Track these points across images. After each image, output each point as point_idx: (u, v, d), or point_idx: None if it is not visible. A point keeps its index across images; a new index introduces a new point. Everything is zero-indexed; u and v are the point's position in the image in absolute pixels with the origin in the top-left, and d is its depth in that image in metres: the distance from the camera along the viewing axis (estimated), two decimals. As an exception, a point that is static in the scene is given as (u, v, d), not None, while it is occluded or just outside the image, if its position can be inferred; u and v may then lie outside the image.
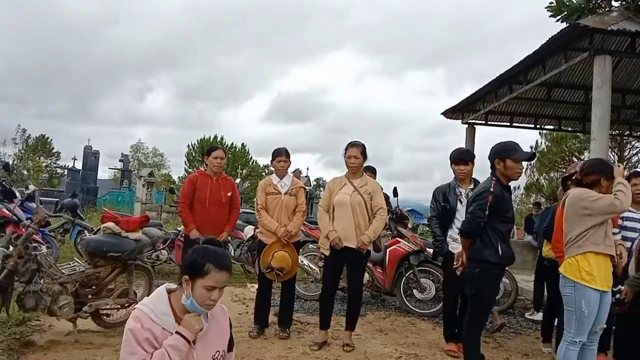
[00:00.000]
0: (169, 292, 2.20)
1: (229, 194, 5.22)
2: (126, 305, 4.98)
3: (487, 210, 3.68)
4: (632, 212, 4.82)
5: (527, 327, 6.29)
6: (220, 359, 2.20)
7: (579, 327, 3.58)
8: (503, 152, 3.81)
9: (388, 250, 6.58)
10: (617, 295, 4.01)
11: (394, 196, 6.92)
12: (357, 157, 4.67)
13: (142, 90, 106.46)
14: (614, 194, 3.45)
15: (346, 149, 4.74)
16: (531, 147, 27.17)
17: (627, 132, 15.79)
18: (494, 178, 3.81)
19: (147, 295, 5.19)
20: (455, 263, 4.21)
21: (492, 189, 3.71)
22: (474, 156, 4.92)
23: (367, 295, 7.16)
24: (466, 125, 13.70)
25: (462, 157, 4.80)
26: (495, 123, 13.97)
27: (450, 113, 13.67)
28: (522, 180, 29.81)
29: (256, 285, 5.53)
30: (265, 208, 5.01)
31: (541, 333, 5.31)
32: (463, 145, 13.15)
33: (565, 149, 24.29)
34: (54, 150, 43.98)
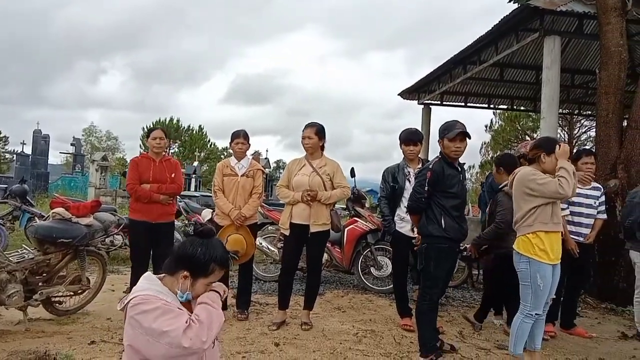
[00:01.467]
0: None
1: (173, 176, 5.12)
2: (79, 292, 4.88)
3: (426, 186, 3.79)
4: (579, 187, 5.05)
5: (480, 300, 6.48)
6: (215, 342, 2.14)
7: (535, 300, 3.73)
8: (441, 132, 3.94)
9: (346, 229, 6.66)
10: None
11: (352, 176, 6.97)
12: (310, 138, 4.67)
13: (95, 73, 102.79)
14: (558, 180, 3.57)
15: (303, 130, 4.73)
16: (486, 126, 27.82)
17: (576, 111, 16.35)
18: (439, 156, 3.95)
19: (101, 282, 5.13)
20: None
21: (431, 166, 3.85)
22: (423, 137, 5.02)
23: (326, 275, 7.27)
24: (422, 106, 13.90)
25: (411, 138, 4.87)
26: (451, 103, 14.20)
27: (407, 94, 13.82)
28: (477, 159, 30.57)
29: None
30: (222, 190, 4.97)
31: (493, 306, 5.50)
32: (420, 126, 13.36)
33: (519, 127, 24.99)
34: (1, 135, 42.16)
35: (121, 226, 6.20)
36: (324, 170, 4.69)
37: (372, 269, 6.60)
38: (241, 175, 4.96)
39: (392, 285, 6.39)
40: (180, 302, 2.01)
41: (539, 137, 4.31)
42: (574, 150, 5.55)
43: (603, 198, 5.26)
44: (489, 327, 5.15)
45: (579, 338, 5.00)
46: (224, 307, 5.05)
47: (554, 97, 7.76)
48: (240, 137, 5.00)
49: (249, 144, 5.07)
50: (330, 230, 6.42)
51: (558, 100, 7.97)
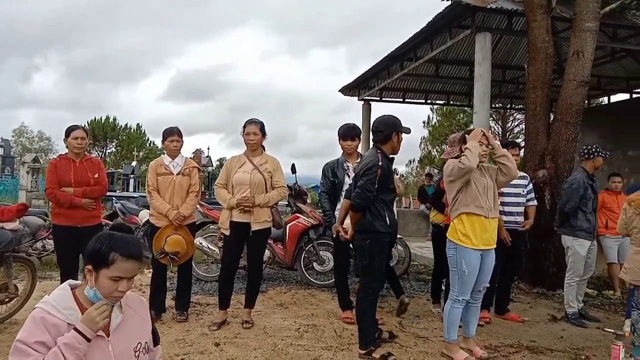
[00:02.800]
0: (73, 287, 2.00)
1: (96, 176, 4.85)
2: (6, 300, 4.62)
3: (376, 184, 3.80)
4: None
5: (419, 290, 6.67)
6: (143, 350, 2.06)
7: (461, 286, 3.86)
8: (399, 126, 3.96)
9: (288, 226, 6.65)
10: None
11: (292, 173, 6.97)
12: (255, 134, 4.61)
13: (28, 70, 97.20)
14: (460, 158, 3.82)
15: (244, 126, 4.65)
16: (424, 122, 28.52)
17: (508, 105, 17.04)
18: (379, 151, 3.91)
19: (31, 289, 4.88)
20: (334, 234, 4.38)
21: (380, 163, 3.82)
22: (360, 132, 5.06)
23: (269, 272, 7.23)
24: (362, 102, 14.07)
25: (349, 133, 4.91)
26: (389, 99, 14.49)
27: (347, 90, 13.97)
28: (417, 153, 31.32)
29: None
30: (157, 190, 4.83)
31: (431, 295, 5.66)
32: (361, 122, 13.53)
33: (455, 122, 25.75)
34: None
35: (50, 230, 5.91)
36: (265, 167, 4.64)
37: (315, 264, 6.63)
38: (176, 174, 4.83)
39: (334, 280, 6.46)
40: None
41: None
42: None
43: (531, 186, 5.52)
44: (428, 315, 5.29)
45: (512, 322, 5.21)
46: (163, 309, 4.93)
47: (486, 91, 8.04)
48: (174, 134, 4.86)
49: (183, 141, 4.94)
50: (273, 228, 6.43)
51: (489, 94, 8.27)
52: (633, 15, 8.64)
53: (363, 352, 3.87)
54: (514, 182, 5.31)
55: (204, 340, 4.21)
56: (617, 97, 14.16)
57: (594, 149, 5.43)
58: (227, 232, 4.61)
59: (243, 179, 4.56)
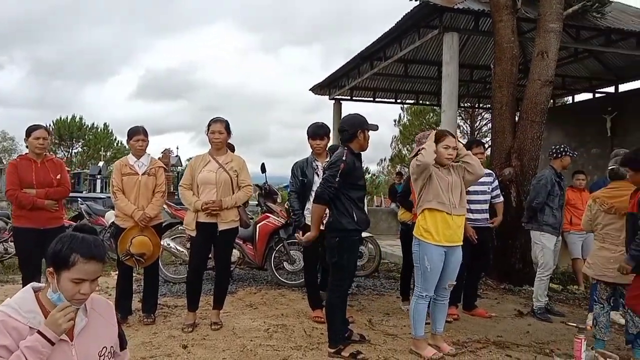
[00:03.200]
0: (36, 290, 1.94)
1: (58, 177, 4.72)
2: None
3: (338, 177, 3.80)
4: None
5: (390, 287, 6.71)
6: (108, 355, 2.01)
7: (424, 281, 3.91)
8: (365, 123, 3.99)
9: (258, 226, 6.60)
10: None
11: (262, 172, 6.92)
12: (221, 133, 4.55)
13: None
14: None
15: (209, 125, 4.59)
16: (394, 121, 28.76)
17: (476, 104, 17.32)
18: (346, 147, 3.95)
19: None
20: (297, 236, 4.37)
21: (344, 157, 3.85)
22: (329, 131, 5.04)
23: (239, 273, 7.17)
24: (333, 101, 14.11)
25: (318, 132, 4.90)
26: (360, 98, 14.57)
27: (318, 89, 13.99)
28: (388, 152, 31.58)
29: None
30: (122, 190, 4.73)
31: (400, 292, 5.70)
32: (332, 121, 13.55)
33: (425, 121, 26.04)
34: None
35: (12, 233, 5.75)
36: (231, 166, 4.58)
37: (286, 264, 6.60)
38: (142, 174, 4.73)
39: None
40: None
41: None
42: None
43: (496, 183, 5.62)
44: (397, 313, 5.32)
45: (480, 318, 5.29)
46: (129, 312, 4.84)
47: (453, 91, 8.15)
48: (140, 133, 4.77)
49: (148, 141, 4.85)
50: (241, 227, 6.37)
51: (457, 94, 8.38)
52: (594, 17, 8.87)
53: (332, 350, 3.87)
54: (481, 180, 5.41)
55: (171, 343, 4.14)
56: (581, 97, 14.54)
57: (562, 149, 5.58)
58: (193, 234, 4.55)
59: (209, 179, 4.50)
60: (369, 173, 36.85)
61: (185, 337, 4.29)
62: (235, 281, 6.70)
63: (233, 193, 4.56)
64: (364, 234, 7.42)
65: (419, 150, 4.06)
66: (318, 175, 4.78)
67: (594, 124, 12.96)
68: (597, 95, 13.76)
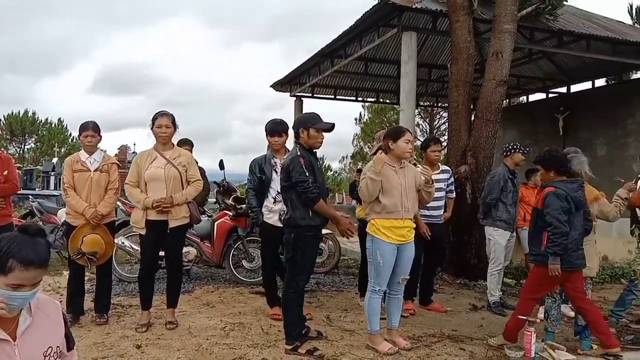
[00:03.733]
0: None
1: (5, 173, 4.57)
2: None
3: (306, 172, 3.83)
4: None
5: (349, 284, 6.75)
6: (54, 355, 1.93)
7: (377, 276, 3.97)
8: (307, 122, 4.01)
9: (216, 223, 6.53)
10: None
11: (221, 169, 6.84)
12: (168, 127, 4.47)
13: None
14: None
15: (155, 119, 4.48)
16: (355, 119, 28.95)
17: (435, 103, 17.60)
18: (298, 145, 4.01)
19: None
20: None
21: (298, 153, 3.90)
22: (288, 127, 4.97)
23: (197, 271, 7.07)
24: (294, 98, 14.08)
25: (276, 129, 4.88)
26: (321, 96, 14.58)
27: (279, 86, 13.91)
28: (350, 150, 31.78)
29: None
30: (74, 187, 4.59)
31: (358, 288, 5.74)
32: (293, 118, 13.52)
33: (385, 119, 26.30)
34: None
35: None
36: (179, 161, 4.50)
37: (244, 262, 6.55)
38: (94, 171, 4.61)
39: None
40: None
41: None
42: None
43: (452, 180, 5.74)
44: (355, 309, 5.36)
45: (436, 313, 5.39)
46: (81, 311, 4.71)
47: (412, 90, 8.24)
48: (89, 129, 4.62)
49: (100, 136, 4.72)
50: (200, 226, 6.29)
51: (415, 92, 8.48)
52: (547, 20, 9.14)
53: (289, 347, 3.87)
54: (437, 177, 5.49)
55: (124, 343, 4.05)
56: (535, 97, 14.97)
57: (512, 146, 5.74)
58: (143, 232, 4.45)
59: (157, 175, 4.40)
60: (330, 170, 37.00)
61: (139, 337, 4.21)
62: (193, 280, 6.61)
63: (182, 189, 4.49)
64: (323, 231, 7.48)
65: (379, 148, 4.09)
66: (276, 173, 4.75)
67: (547, 123, 13.37)
68: (550, 95, 14.19)
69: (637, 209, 4.77)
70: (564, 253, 3.87)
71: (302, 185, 3.83)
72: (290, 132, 4.56)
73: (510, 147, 5.77)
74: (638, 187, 4.86)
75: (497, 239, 5.60)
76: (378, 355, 3.89)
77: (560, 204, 3.88)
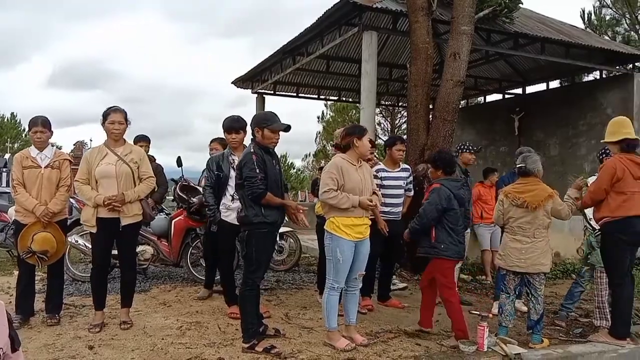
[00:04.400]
0: None
1: None
2: None
3: (257, 169, 3.83)
4: (388, 171, 5.51)
5: (309, 281, 6.77)
6: (2, 356, 1.88)
7: (336, 273, 3.99)
8: (261, 122, 4.00)
9: (173, 222, 6.42)
10: None
11: (178, 166, 6.73)
12: (121, 123, 4.36)
13: None
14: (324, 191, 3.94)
15: (107, 114, 4.37)
16: (318, 117, 29.05)
17: (396, 103, 17.81)
18: (253, 142, 4.04)
19: None
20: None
21: (252, 150, 3.93)
22: (246, 124, 4.91)
23: (154, 270, 6.94)
24: (256, 95, 13.99)
25: (233, 126, 4.84)
26: (283, 93, 14.55)
27: (241, 82, 13.80)
28: (313, 148, 31.85)
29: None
30: (23, 184, 4.44)
31: (317, 286, 5.76)
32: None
33: (347, 118, 26.43)
34: None
35: None
36: (131, 157, 4.40)
37: (202, 260, 6.46)
38: (45, 167, 4.46)
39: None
40: None
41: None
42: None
43: (411, 178, 5.83)
44: (314, 306, 5.37)
45: (394, 309, 5.46)
46: (31, 312, 4.57)
47: (372, 89, 8.32)
48: (38, 124, 4.47)
49: (51, 132, 4.57)
50: (158, 224, 6.18)
51: (375, 91, 8.57)
52: (504, 22, 9.38)
53: (246, 346, 3.85)
54: (396, 175, 5.59)
55: (76, 344, 3.95)
56: (492, 97, 15.34)
57: (461, 146, 5.95)
58: (94, 230, 4.33)
59: (108, 172, 4.29)
60: (294, 168, 36.99)
61: (92, 338, 4.11)
62: (149, 279, 6.49)
63: (135, 186, 4.40)
64: (283, 229, 7.46)
65: (342, 141, 4.15)
66: (234, 170, 4.70)
67: (503, 123, 13.73)
68: (507, 96, 14.58)
69: (587, 210, 4.95)
70: (443, 243, 4.33)
71: (249, 181, 3.85)
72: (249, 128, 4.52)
73: (459, 147, 5.97)
74: (587, 187, 5.05)
75: None
76: (335, 352, 3.91)
77: (438, 202, 4.31)
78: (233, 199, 4.67)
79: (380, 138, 24.96)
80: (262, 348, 3.81)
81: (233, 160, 4.83)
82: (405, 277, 7.06)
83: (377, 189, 4.41)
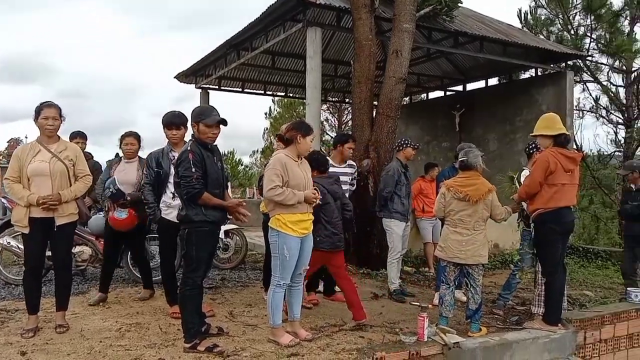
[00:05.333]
0: None
1: None
2: None
3: (193, 168, 3.76)
4: (335, 167, 5.58)
5: (255, 279, 6.73)
6: None
7: (283, 270, 3.98)
8: (196, 117, 3.94)
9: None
10: None
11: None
12: (55, 119, 4.18)
13: None
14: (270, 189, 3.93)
15: (40, 110, 4.17)
16: (265, 113, 28.90)
17: (343, 99, 17.93)
18: (192, 139, 3.95)
19: None
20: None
21: (189, 148, 3.84)
22: (187, 120, 4.75)
23: (93, 271, 6.70)
24: (200, 90, 13.75)
25: (173, 121, 4.71)
26: (228, 88, 14.37)
27: (183, 77, 13.53)
28: (261, 144, 31.64)
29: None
30: None
31: (263, 283, 5.74)
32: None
33: (295, 114, 26.39)
34: None
35: None
36: (66, 154, 4.23)
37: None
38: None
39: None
40: None
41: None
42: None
43: (356, 174, 5.95)
44: (260, 303, 5.35)
45: (339, 303, 5.47)
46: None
47: (317, 85, 8.34)
48: None
49: None
50: (96, 223, 5.97)
51: (320, 87, 8.60)
52: (444, 20, 9.61)
53: (188, 345, 3.79)
54: (343, 170, 5.68)
55: (7, 350, 3.77)
56: (434, 94, 15.71)
57: (402, 142, 6.10)
58: (26, 230, 4.13)
59: (41, 169, 4.10)
60: (242, 165, 36.59)
61: (25, 343, 3.94)
62: (88, 280, 6.27)
63: (70, 184, 4.24)
64: (229, 226, 7.38)
65: (286, 133, 4.13)
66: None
67: (445, 120, 14.09)
68: (448, 93, 14.96)
69: (522, 203, 5.16)
70: (319, 236, 4.49)
71: (185, 180, 3.78)
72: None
73: (400, 142, 6.12)
74: (521, 181, 5.26)
75: (394, 229, 5.88)
76: (279, 348, 3.91)
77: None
78: (174, 197, 4.55)
79: (328, 134, 25.11)
80: (205, 347, 3.76)
81: (173, 157, 4.70)
82: (351, 271, 7.14)
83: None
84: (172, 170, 4.58)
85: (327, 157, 5.19)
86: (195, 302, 3.92)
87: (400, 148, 6.07)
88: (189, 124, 4.29)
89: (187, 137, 4.77)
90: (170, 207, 4.62)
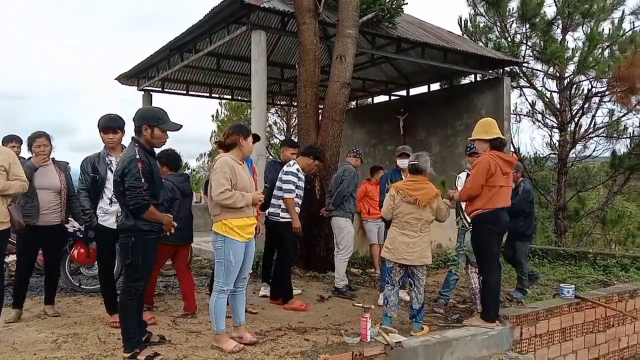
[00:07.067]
0: None
1: None
2: None
3: (142, 179, 3.65)
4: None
5: (201, 285, 6.65)
6: None
7: (227, 276, 3.96)
8: (152, 120, 3.80)
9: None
10: None
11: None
12: None
13: None
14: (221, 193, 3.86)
15: None
16: (212, 116, 28.57)
17: (291, 103, 17.93)
18: (136, 144, 3.78)
19: None
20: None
21: (137, 156, 3.69)
22: (124, 123, 4.68)
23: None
24: (143, 92, 13.42)
25: (110, 125, 4.56)
26: (172, 91, 14.10)
27: (125, 79, 13.16)
28: (208, 147, 31.22)
29: None
30: None
31: (209, 289, 5.64)
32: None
33: (243, 117, 26.19)
34: None
35: None
36: None
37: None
38: None
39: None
40: None
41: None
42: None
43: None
44: (204, 309, 5.24)
45: (284, 308, 5.50)
46: None
47: (262, 88, 8.31)
48: None
49: None
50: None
51: (266, 90, 8.56)
52: (387, 27, 9.80)
53: (127, 355, 3.69)
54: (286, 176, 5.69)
55: None
56: (379, 99, 15.98)
57: (357, 151, 6.63)
58: None
59: None
60: (188, 169, 35.90)
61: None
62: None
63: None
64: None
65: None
66: (112, 172, 4.45)
67: (390, 124, 14.34)
68: (393, 97, 15.25)
69: (462, 203, 5.33)
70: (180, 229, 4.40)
71: (134, 191, 3.64)
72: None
73: (356, 151, 6.58)
74: (460, 185, 5.44)
75: (348, 228, 6.13)
76: (223, 354, 3.87)
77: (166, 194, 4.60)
78: (111, 203, 4.42)
79: (276, 137, 25.05)
80: (145, 356, 3.67)
81: (110, 161, 4.57)
82: (298, 275, 7.16)
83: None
84: (110, 175, 4.44)
85: (180, 156, 5.34)
86: (136, 311, 3.83)
87: (356, 155, 6.52)
88: (126, 127, 4.16)
89: (124, 140, 4.66)
90: (107, 213, 4.47)
